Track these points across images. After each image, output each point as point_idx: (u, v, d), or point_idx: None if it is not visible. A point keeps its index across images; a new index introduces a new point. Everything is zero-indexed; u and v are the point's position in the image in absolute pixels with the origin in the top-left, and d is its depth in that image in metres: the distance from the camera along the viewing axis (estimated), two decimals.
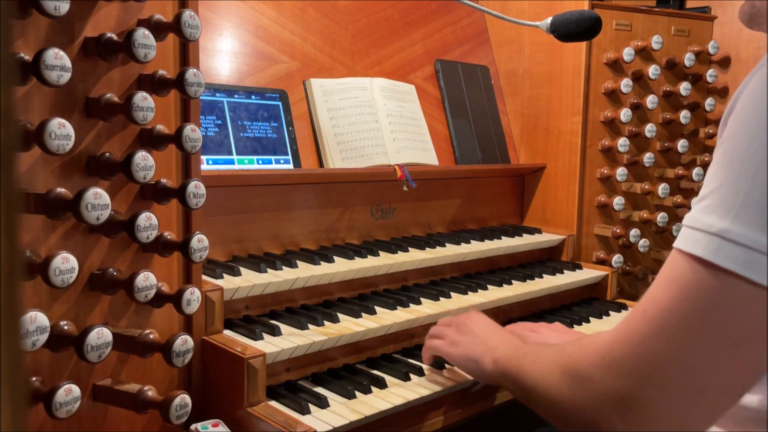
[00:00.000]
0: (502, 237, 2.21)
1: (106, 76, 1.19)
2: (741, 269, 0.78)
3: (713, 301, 0.80)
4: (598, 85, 2.34)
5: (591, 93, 2.32)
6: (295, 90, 1.94)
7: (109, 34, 1.16)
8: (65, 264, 1.04)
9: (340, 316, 1.59)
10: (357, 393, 1.43)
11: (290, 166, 1.84)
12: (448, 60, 2.36)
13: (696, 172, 2.44)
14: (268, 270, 1.61)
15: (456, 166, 2.26)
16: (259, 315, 1.60)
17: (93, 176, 1.18)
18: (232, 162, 1.73)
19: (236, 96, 1.79)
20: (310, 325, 1.52)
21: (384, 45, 2.22)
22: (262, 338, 1.43)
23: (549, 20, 1.68)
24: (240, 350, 1.33)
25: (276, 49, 1.94)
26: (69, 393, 1.06)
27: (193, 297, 1.24)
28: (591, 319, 2.02)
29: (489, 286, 1.94)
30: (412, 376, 1.54)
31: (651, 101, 2.35)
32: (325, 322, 1.55)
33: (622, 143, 2.31)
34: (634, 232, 2.34)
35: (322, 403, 1.37)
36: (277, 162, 1.82)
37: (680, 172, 2.45)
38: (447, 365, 1.57)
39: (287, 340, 1.44)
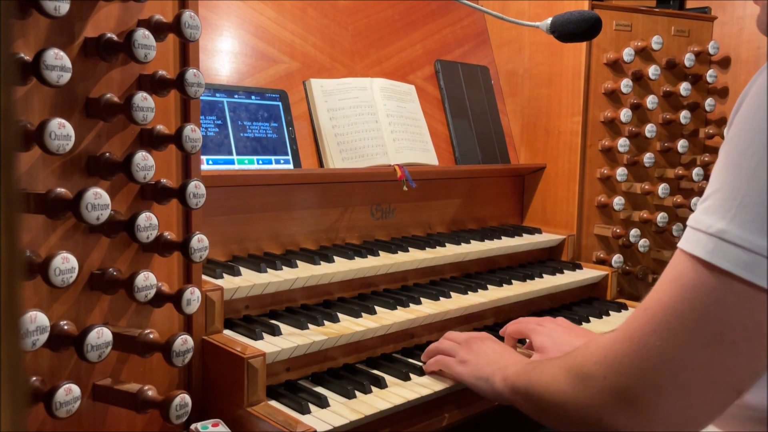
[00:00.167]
0: (502, 237, 2.21)
1: (106, 76, 1.20)
2: (738, 270, 0.79)
3: (711, 301, 0.82)
4: (598, 86, 2.34)
5: (591, 93, 2.33)
6: (295, 90, 1.94)
7: (109, 35, 1.16)
8: (65, 264, 1.04)
9: (340, 315, 1.59)
10: (357, 393, 1.44)
11: (290, 166, 1.84)
12: (448, 60, 2.36)
13: (696, 172, 2.44)
14: (268, 270, 1.61)
15: (456, 166, 2.26)
16: (259, 315, 1.60)
17: (93, 176, 1.18)
18: (232, 162, 1.73)
19: (236, 96, 1.79)
20: (310, 325, 1.52)
21: (384, 45, 2.22)
22: (262, 338, 1.43)
23: (549, 21, 1.69)
24: (240, 350, 1.33)
25: (276, 49, 1.94)
26: (69, 393, 1.07)
27: (193, 297, 1.24)
28: (591, 318, 2.02)
29: (489, 286, 1.94)
30: (412, 375, 1.54)
31: (651, 101, 2.35)
32: (325, 322, 1.55)
33: (622, 143, 2.31)
34: (634, 232, 2.34)
35: (322, 402, 1.37)
36: (277, 162, 1.82)
37: (680, 172, 2.45)
38: None
39: (287, 340, 1.44)
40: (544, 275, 2.11)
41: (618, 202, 2.32)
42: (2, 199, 0.35)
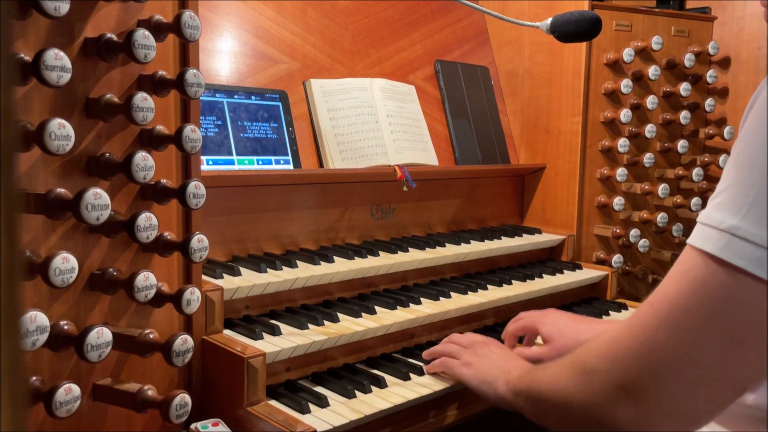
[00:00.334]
0: (502, 237, 2.21)
1: (106, 76, 1.20)
2: (749, 266, 0.78)
3: (720, 297, 0.81)
4: (598, 86, 2.34)
5: (591, 93, 2.33)
6: (295, 90, 1.94)
7: (109, 35, 1.16)
8: (65, 264, 1.04)
9: (340, 315, 1.59)
10: (357, 392, 1.44)
11: (290, 166, 1.84)
12: (448, 60, 2.36)
13: (696, 172, 2.44)
14: (268, 270, 1.61)
15: (456, 166, 2.26)
16: (259, 315, 1.60)
17: (93, 176, 1.18)
18: (232, 162, 1.73)
19: (236, 96, 1.79)
20: (310, 325, 1.52)
21: (384, 45, 2.22)
22: (262, 338, 1.43)
23: (549, 21, 1.69)
24: (240, 350, 1.33)
25: (276, 49, 1.94)
26: (69, 392, 1.07)
27: (193, 297, 1.24)
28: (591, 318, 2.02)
29: (489, 286, 1.94)
30: (412, 375, 1.54)
31: (651, 102, 2.35)
32: (325, 322, 1.55)
33: (622, 143, 2.31)
34: (634, 232, 2.34)
35: (322, 402, 1.37)
36: (277, 162, 1.82)
37: (680, 172, 2.45)
38: None
39: (287, 340, 1.44)
40: (544, 275, 2.11)
41: (618, 202, 2.32)
42: (2, 199, 0.35)
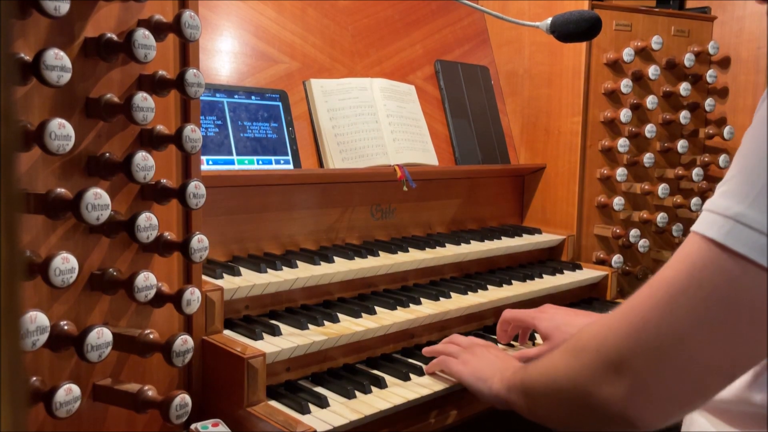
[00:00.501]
0: (502, 237, 2.21)
1: (106, 76, 1.20)
2: (751, 253, 0.78)
3: (718, 281, 0.81)
4: (598, 86, 2.34)
5: (591, 93, 2.33)
6: (295, 90, 1.94)
7: (109, 35, 1.16)
8: (65, 264, 1.04)
9: (340, 316, 1.59)
10: (357, 393, 1.44)
11: (290, 166, 1.84)
12: (448, 60, 2.36)
13: (696, 172, 2.44)
14: (268, 270, 1.61)
15: (456, 166, 2.26)
16: (259, 315, 1.60)
17: (93, 176, 1.18)
18: (232, 162, 1.73)
19: (236, 96, 1.79)
20: (310, 325, 1.52)
21: (384, 45, 2.22)
22: (262, 338, 1.43)
23: (549, 21, 1.69)
24: (240, 350, 1.33)
25: (276, 49, 1.94)
26: (69, 393, 1.07)
27: (193, 297, 1.24)
28: None
29: (489, 286, 1.94)
30: (412, 375, 1.54)
31: (651, 101, 2.35)
32: (325, 322, 1.55)
33: (622, 143, 2.31)
34: (634, 232, 2.34)
35: (322, 402, 1.37)
36: (277, 162, 1.82)
37: (680, 172, 2.45)
38: None
39: (287, 340, 1.44)
40: (544, 275, 2.11)
41: (618, 202, 2.32)
42: (2, 199, 0.35)
